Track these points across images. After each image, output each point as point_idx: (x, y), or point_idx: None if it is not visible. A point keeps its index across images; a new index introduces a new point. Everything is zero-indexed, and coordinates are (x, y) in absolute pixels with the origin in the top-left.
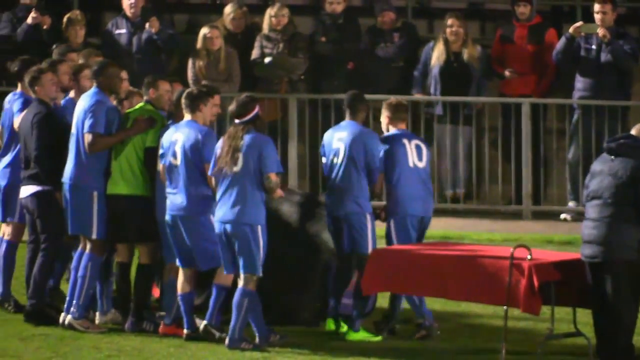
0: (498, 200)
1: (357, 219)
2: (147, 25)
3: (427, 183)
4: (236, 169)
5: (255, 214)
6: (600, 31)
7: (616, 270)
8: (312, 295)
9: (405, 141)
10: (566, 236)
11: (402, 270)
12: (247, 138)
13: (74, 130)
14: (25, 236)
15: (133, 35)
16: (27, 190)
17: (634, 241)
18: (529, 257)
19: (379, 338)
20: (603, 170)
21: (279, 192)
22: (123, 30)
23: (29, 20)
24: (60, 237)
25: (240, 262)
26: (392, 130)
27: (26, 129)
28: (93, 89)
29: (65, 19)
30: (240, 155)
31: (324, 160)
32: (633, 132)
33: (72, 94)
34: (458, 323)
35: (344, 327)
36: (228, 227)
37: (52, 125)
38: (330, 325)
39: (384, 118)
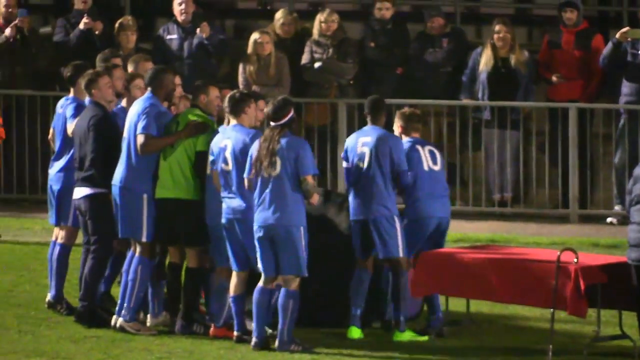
0: (545, 204)
1: (386, 222)
2: (197, 30)
3: (444, 185)
4: (275, 172)
5: (297, 216)
6: None
7: None
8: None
9: (419, 147)
10: (612, 239)
11: (450, 273)
12: (283, 141)
13: (126, 134)
14: (79, 239)
15: (184, 41)
16: (80, 192)
17: None
18: (575, 260)
19: (425, 338)
20: None
21: (316, 197)
22: (174, 36)
23: (81, 25)
24: (111, 240)
25: (284, 264)
26: (405, 139)
27: (82, 131)
28: (147, 94)
29: (117, 25)
30: (278, 159)
31: (345, 164)
32: None
33: (123, 102)
34: (505, 325)
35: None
36: (270, 229)
37: (107, 128)
38: (354, 333)
39: (397, 127)
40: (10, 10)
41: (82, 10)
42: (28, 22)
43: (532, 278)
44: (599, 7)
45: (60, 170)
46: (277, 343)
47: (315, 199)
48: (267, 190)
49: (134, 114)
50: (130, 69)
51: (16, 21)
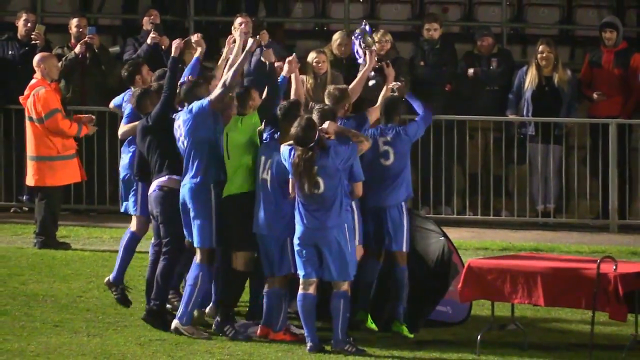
0: (586, 215)
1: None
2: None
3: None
4: (319, 191)
5: (342, 224)
6: None
7: None
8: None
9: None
10: None
11: (496, 280)
12: (318, 160)
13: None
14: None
15: None
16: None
17: None
18: (614, 267)
19: (412, 336)
20: None
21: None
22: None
23: (149, 40)
24: (182, 240)
25: (334, 270)
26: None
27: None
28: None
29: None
30: (320, 179)
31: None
32: None
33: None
34: (548, 328)
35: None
36: (317, 239)
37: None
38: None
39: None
40: (81, 30)
41: (150, 30)
42: (97, 39)
43: (574, 284)
44: (637, 28)
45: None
46: (332, 343)
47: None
48: (314, 204)
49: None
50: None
51: (86, 38)
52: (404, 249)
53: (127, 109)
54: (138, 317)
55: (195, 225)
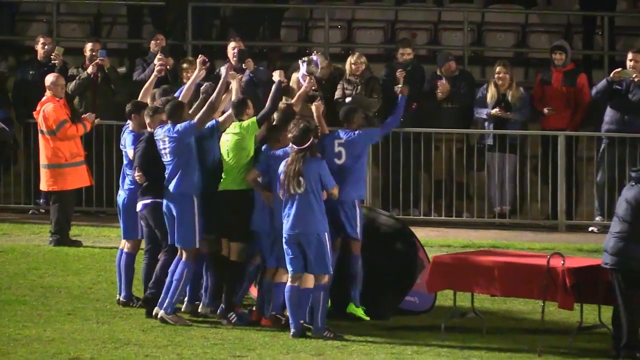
0: (538, 216)
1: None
2: (244, 66)
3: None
4: (301, 190)
5: (322, 224)
6: (637, 76)
7: (627, 276)
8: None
9: None
10: (594, 245)
11: (459, 272)
12: (306, 163)
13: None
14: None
15: None
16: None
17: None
18: (562, 262)
19: (367, 318)
20: (623, 194)
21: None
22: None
23: (156, 61)
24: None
25: (315, 264)
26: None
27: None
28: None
29: (180, 65)
30: (303, 179)
31: None
32: None
33: None
34: (503, 316)
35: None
36: (299, 237)
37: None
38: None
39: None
40: (94, 53)
41: (156, 52)
42: (108, 61)
43: (527, 277)
44: (583, 51)
45: (124, 189)
46: (312, 330)
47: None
48: (295, 203)
49: None
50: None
51: (97, 60)
52: (358, 237)
53: (128, 138)
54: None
55: (179, 229)
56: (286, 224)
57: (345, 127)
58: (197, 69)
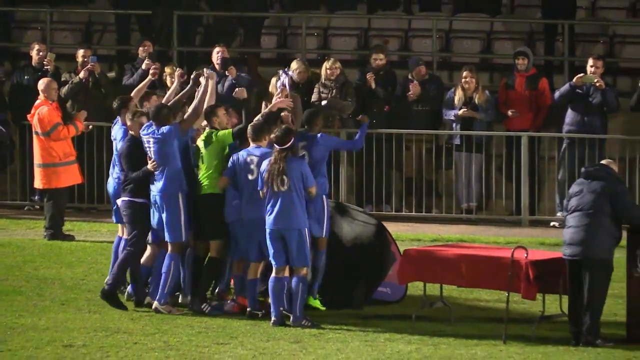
0: (502, 211)
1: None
2: (227, 72)
3: None
4: (284, 187)
5: (303, 220)
6: (598, 81)
7: (593, 265)
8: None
9: None
10: (555, 239)
11: (428, 265)
12: (288, 162)
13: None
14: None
15: (218, 82)
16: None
17: (607, 243)
18: (525, 255)
19: (324, 308)
20: (583, 190)
21: (314, 193)
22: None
23: (143, 66)
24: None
25: (295, 258)
26: None
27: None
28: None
29: (165, 70)
30: (286, 177)
31: None
32: (603, 162)
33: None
34: (470, 305)
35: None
36: (282, 231)
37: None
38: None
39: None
40: (85, 59)
41: (144, 57)
42: (98, 66)
43: (493, 269)
44: (545, 57)
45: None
46: (291, 319)
47: (314, 193)
48: (279, 200)
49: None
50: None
51: (88, 66)
52: (324, 235)
53: (119, 132)
54: (130, 298)
55: (166, 224)
56: (270, 220)
57: (306, 129)
58: (176, 81)
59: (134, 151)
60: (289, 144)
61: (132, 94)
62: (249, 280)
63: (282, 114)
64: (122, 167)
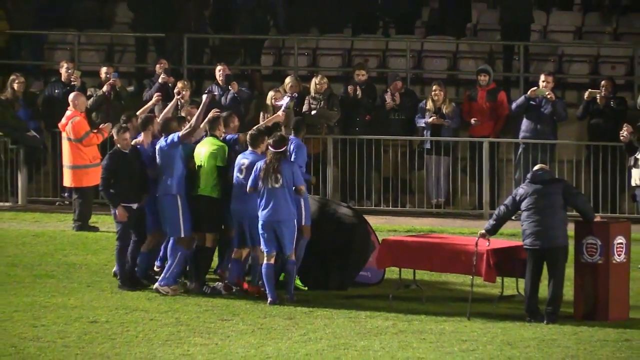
0: (467, 206)
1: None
2: (230, 87)
3: None
4: (278, 184)
5: (293, 212)
6: (549, 94)
7: (558, 253)
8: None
9: None
10: (512, 230)
11: (403, 252)
12: (282, 163)
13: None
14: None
15: (222, 95)
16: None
17: (565, 233)
18: (487, 244)
19: (305, 288)
20: (536, 188)
21: (303, 190)
22: (216, 92)
23: (160, 80)
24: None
25: (287, 245)
26: None
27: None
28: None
29: (178, 84)
30: (280, 175)
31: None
32: (542, 166)
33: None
34: (439, 287)
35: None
36: (275, 223)
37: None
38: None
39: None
40: (108, 75)
41: (160, 73)
42: (119, 82)
43: (459, 256)
44: (503, 73)
45: None
46: (287, 297)
47: (303, 191)
48: (272, 196)
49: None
50: (183, 113)
51: (110, 81)
52: (308, 223)
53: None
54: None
55: (167, 222)
56: (264, 212)
57: (293, 134)
58: (174, 99)
59: (114, 165)
60: (283, 148)
61: (138, 112)
62: (232, 259)
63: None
64: (106, 180)
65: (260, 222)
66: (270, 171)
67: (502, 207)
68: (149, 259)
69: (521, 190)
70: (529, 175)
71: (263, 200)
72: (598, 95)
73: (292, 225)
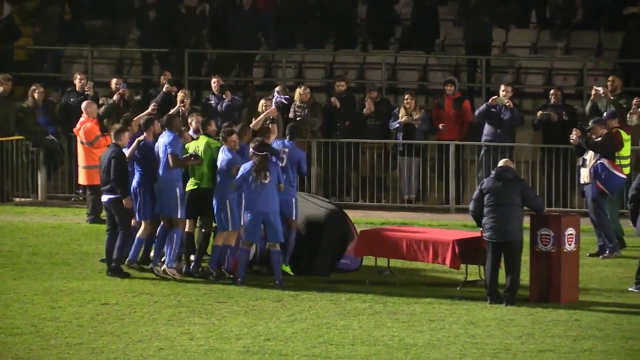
0: (435, 202)
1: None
2: (224, 96)
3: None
4: (266, 181)
5: (277, 206)
6: (508, 102)
7: (515, 246)
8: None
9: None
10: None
11: (379, 242)
12: (268, 163)
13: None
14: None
15: (218, 104)
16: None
17: (521, 227)
18: (453, 235)
19: (292, 273)
20: (498, 186)
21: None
22: (212, 101)
23: (164, 89)
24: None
25: (273, 235)
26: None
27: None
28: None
29: (179, 93)
30: (268, 173)
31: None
32: (506, 161)
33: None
34: (411, 273)
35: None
36: (265, 215)
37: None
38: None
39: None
40: (117, 86)
41: (164, 83)
42: (127, 91)
43: (428, 245)
44: (468, 84)
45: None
46: (276, 283)
47: (282, 189)
48: (261, 190)
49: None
50: (189, 119)
51: (120, 91)
52: (294, 217)
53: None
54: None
55: (166, 205)
56: (255, 205)
57: (288, 138)
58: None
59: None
60: (264, 152)
61: (134, 119)
62: (213, 245)
63: (270, 125)
64: (107, 170)
65: (249, 214)
66: (260, 169)
67: (473, 204)
68: (148, 245)
69: (485, 183)
70: (494, 171)
71: (254, 195)
72: (550, 114)
73: (278, 216)
